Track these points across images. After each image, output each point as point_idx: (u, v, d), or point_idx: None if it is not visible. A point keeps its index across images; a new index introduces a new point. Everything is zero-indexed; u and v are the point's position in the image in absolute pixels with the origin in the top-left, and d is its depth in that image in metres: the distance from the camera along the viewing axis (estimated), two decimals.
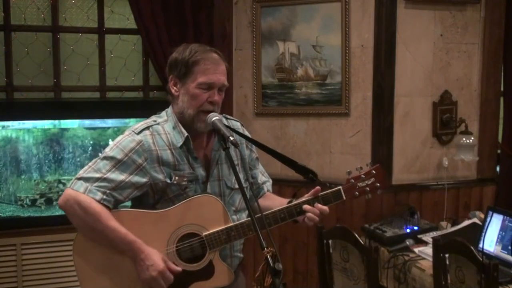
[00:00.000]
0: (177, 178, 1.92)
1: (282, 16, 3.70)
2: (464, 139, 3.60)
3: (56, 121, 3.72)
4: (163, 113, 2.03)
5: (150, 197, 1.94)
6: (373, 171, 2.06)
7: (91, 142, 3.79)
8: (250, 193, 2.13)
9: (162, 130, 1.96)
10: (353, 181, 2.05)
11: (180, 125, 1.96)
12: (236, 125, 2.14)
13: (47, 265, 3.63)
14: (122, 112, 3.82)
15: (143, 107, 3.87)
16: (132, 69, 4.00)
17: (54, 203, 3.73)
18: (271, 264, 1.55)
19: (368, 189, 2.05)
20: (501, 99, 3.87)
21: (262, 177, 2.23)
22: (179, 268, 1.88)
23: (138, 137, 1.91)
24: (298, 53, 3.69)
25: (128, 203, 2.01)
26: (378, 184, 2.06)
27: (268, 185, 2.25)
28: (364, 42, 3.57)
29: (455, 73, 3.70)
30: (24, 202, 3.68)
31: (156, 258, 1.85)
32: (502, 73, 3.82)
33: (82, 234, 1.90)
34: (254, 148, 2.16)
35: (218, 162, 2.00)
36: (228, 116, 2.15)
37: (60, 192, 3.72)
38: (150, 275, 1.83)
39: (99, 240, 1.87)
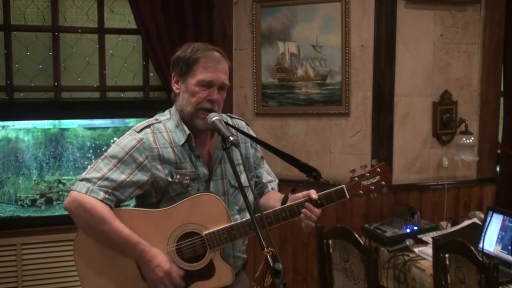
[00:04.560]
0: (178, 176, 1.90)
1: (282, 16, 3.69)
2: (464, 139, 3.60)
3: (56, 121, 3.72)
4: (167, 112, 2.03)
5: (153, 197, 1.93)
6: (378, 169, 1.99)
7: (91, 142, 3.78)
8: (254, 192, 2.14)
9: (163, 128, 1.95)
10: (357, 179, 1.97)
11: (182, 123, 1.95)
12: (241, 124, 2.14)
13: (47, 265, 3.62)
14: (122, 112, 3.82)
15: (143, 107, 3.87)
16: (132, 69, 3.99)
17: (54, 203, 3.73)
18: (271, 264, 1.54)
19: (373, 187, 1.98)
20: (501, 99, 3.87)
21: (268, 176, 2.21)
22: (181, 271, 1.88)
23: (139, 136, 1.91)
24: (298, 53, 3.68)
25: (132, 202, 2.01)
26: (383, 182, 1.99)
27: (274, 184, 2.22)
28: (364, 42, 3.57)
29: (455, 73, 3.70)
30: (24, 202, 3.68)
31: (162, 258, 1.85)
32: (502, 73, 3.82)
33: (86, 234, 1.89)
34: (259, 147, 2.15)
35: (221, 161, 1.99)
36: (233, 115, 2.15)
37: (60, 192, 3.72)
38: (157, 275, 1.84)
39: (103, 241, 1.87)
